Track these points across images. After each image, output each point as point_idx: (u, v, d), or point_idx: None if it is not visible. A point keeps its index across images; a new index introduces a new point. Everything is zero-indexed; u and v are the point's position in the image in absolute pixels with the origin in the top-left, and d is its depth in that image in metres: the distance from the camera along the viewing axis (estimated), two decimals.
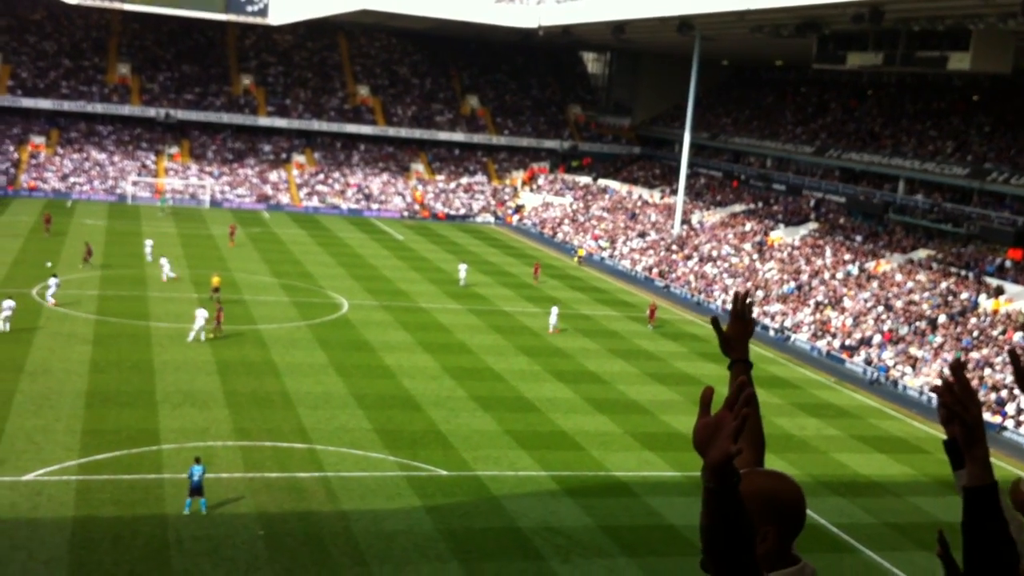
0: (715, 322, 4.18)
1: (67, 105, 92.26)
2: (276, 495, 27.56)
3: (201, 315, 41.85)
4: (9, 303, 41.46)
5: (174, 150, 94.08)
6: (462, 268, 61.29)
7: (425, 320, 50.79)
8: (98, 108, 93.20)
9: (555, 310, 51.55)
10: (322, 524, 26.09)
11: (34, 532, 24.27)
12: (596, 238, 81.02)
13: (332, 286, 57.06)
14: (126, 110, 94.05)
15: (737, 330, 4.20)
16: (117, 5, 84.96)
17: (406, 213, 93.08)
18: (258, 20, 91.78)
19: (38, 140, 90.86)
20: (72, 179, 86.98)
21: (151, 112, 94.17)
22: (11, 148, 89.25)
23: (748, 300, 4.32)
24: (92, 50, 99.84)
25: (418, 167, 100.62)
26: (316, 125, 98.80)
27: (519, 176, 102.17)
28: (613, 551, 26.29)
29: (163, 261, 55.34)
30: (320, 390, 37.30)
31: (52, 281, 47.27)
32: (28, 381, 35.19)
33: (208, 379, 37.32)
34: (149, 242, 60.75)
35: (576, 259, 74.62)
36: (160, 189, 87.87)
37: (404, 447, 32.12)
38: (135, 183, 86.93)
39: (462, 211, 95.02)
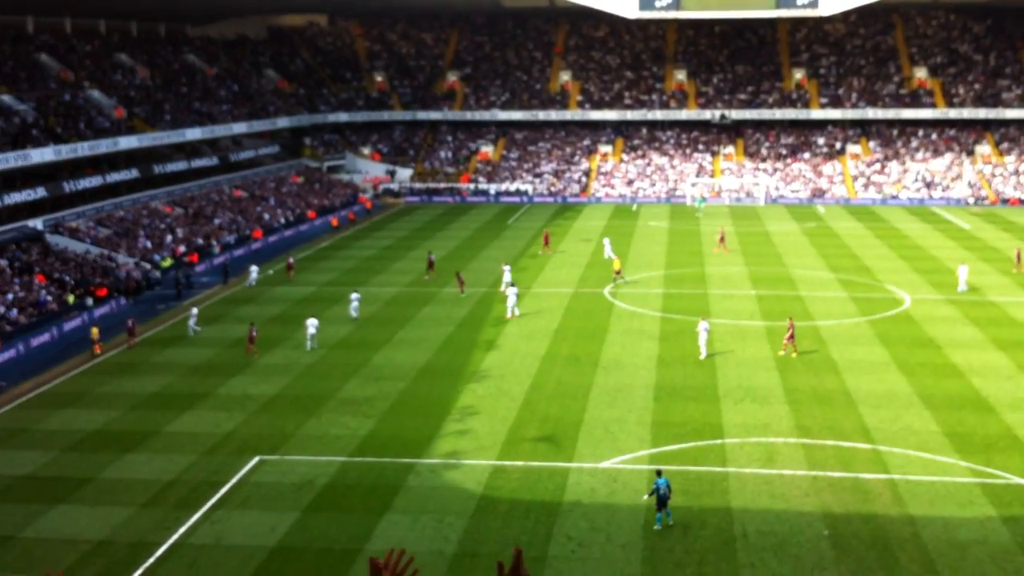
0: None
1: (629, 115, 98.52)
2: (840, 495, 27.24)
3: (703, 327, 40.27)
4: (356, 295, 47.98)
5: (729, 149, 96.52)
6: (962, 271, 52.58)
7: (996, 315, 47.20)
8: (658, 115, 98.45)
9: None
10: (889, 528, 25.35)
11: (612, 516, 26.22)
12: None
13: (892, 280, 55.06)
14: (683, 114, 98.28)
15: None
16: (673, 14, 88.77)
17: (972, 200, 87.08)
18: (809, 12, 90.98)
19: (605, 149, 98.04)
20: (636, 184, 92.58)
21: (706, 114, 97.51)
22: (582, 159, 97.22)
23: None
24: (651, 60, 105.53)
25: (984, 149, 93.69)
26: (871, 113, 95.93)
27: None
28: None
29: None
30: (882, 389, 36.20)
31: (511, 291, 48.13)
32: (603, 375, 38.14)
33: (768, 375, 37.84)
34: (607, 240, 63.49)
35: None
36: (713, 190, 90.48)
37: (977, 452, 30.18)
38: (693, 184, 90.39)
39: None
